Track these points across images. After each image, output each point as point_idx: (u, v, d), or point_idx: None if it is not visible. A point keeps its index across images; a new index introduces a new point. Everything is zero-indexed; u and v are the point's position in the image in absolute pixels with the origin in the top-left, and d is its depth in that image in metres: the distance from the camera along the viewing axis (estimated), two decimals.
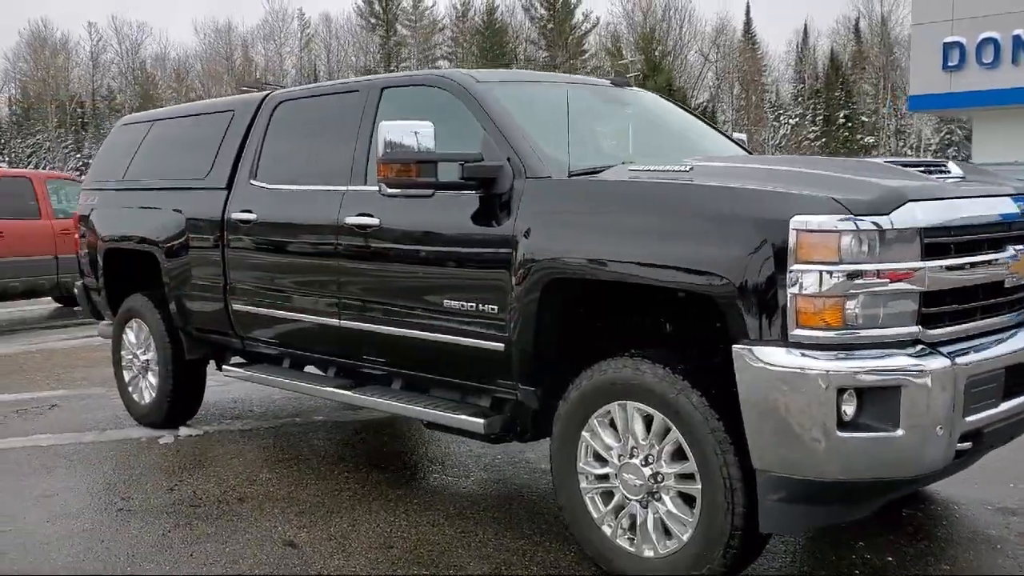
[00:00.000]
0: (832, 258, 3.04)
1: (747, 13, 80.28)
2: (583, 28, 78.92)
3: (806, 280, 3.05)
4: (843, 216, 3.05)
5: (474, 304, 4.07)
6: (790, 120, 65.19)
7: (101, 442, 6.03)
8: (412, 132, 3.96)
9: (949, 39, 20.48)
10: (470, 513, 4.54)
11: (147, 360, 6.29)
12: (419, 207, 4.30)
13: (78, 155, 77.52)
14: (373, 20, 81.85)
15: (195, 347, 6.09)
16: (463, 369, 4.28)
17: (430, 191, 4.08)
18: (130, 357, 6.45)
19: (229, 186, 5.54)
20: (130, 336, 6.43)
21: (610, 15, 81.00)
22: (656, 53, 69.59)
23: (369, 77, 4.97)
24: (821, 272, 3.04)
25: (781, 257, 3.08)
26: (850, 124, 63.54)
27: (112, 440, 6.07)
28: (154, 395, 6.23)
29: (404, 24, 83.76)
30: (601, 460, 3.67)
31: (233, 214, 5.40)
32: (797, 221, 3.07)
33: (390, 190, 4.05)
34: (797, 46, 73.95)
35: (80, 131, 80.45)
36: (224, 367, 5.68)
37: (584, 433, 3.69)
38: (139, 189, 6.34)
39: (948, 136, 57.44)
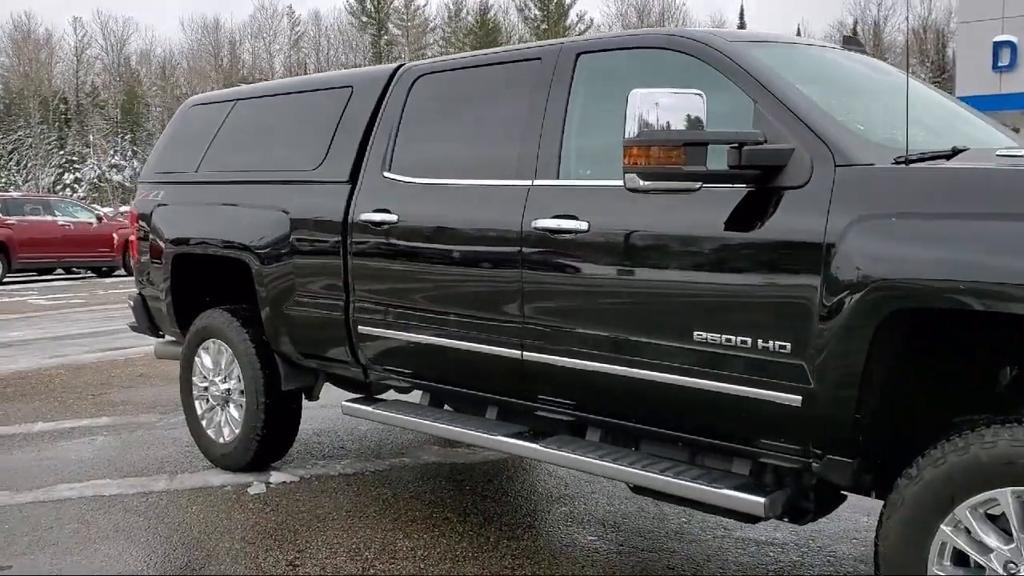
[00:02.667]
0: None
1: (741, 16, 79.65)
2: (577, 29, 78.01)
3: None
4: None
5: (748, 338, 3.00)
6: None
7: (176, 491, 4.92)
8: (673, 105, 2.91)
9: (999, 38, 19.60)
10: None
11: (228, 389, 5.19)
12: (653, 206, 3.24)
13: (61, 152, 75.96)
14: (364, 18, 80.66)
15: (295, 375, 5.00)
16: (717, 423, 3.22)
17: (697, 184, 3.01)
18: (205, 385, 5.34)
19: (353, 179, 4.45)
20: (205, 360, 5.32)
21: (604, 16, 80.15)
22: None
23: (555, 41, 3.89)
24: None
25: None
26: None
27: (190, 488, 4.96)
28: (238, 432, 5.12)
29: (395, 23, 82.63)
30: (972, 567, 2.62)
31: (362, 214, 4.31)
32: None
33: (645, 183, 2.98)
34: None
35: (63, 127, 78.77)
36: (345, 404, 4.55)
37: (944, 528, 2.63)
38: (221, 183, 5.23)
39: None
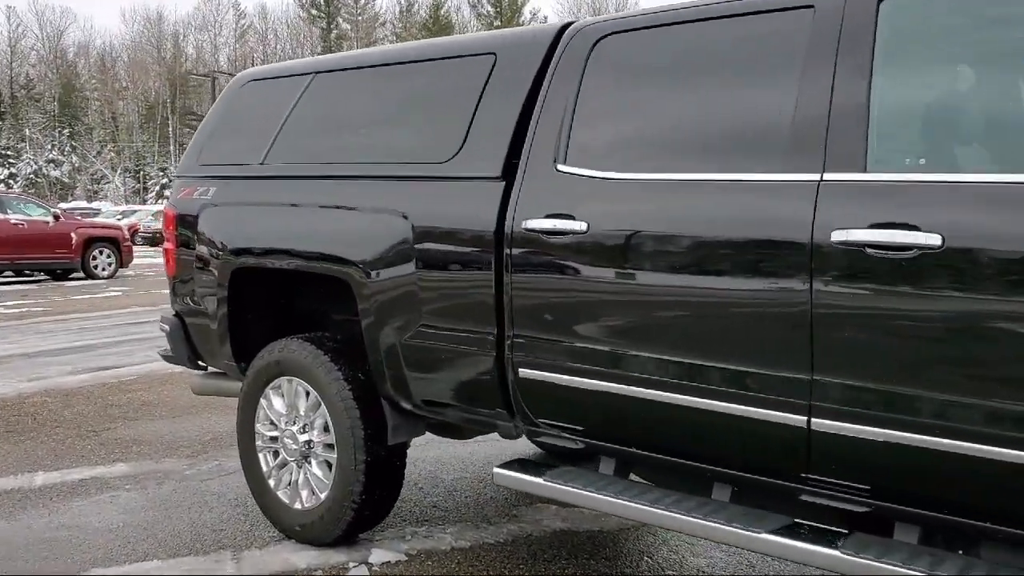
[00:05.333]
0: None
1: None
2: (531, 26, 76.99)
3: None
4: None
5: None
6: None
7: None
8: None
9: None
10: None
11: (309, 442, 4.05)
12: None
13: None
14: (314, 12, 78.93)
15: (406, 425, 3.91)
16: None
17: None
18: (273, 434, 4.20)
19: (508, 174, 3.37)
20: (275, 403, 4.17)
21: (557, 13, 79.15)
22: None
23: None
24: None
25: None
26: None
27: None
28: (324, 496, 3.99)
29: (345, 17, 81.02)
30: None
31: (528, 221, 3.23)
32: None
33: None
34: None
35: None
36: (500, 472, 3.43)
37: None
38: (301, 177, 4.10)
39: None
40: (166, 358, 4.89)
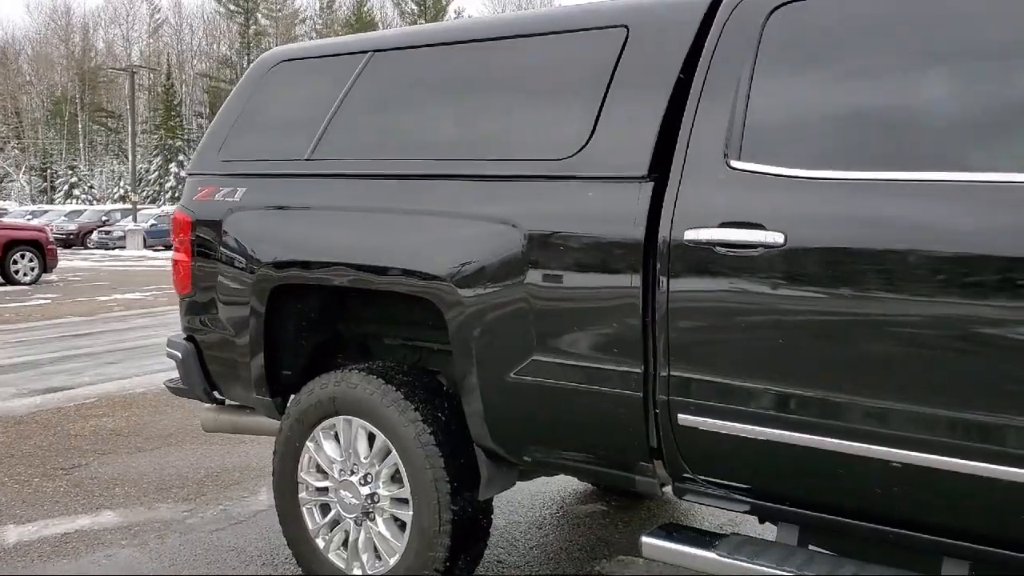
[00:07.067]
0: None
1: None
2: None
3: None
4: None
5: None
6: None
7: None
8: None
9: None
10: None
11: (373, 495, 3.35)
12: None
13: None
14: (232, 7, 76.74)
15: (502, 477, 3.25)
16: None
17: None
18: (322, 485, 3.48)
19: (658, 172, 2.73)
20: (326, 447, 3.45)
21: (480, 14, 78.54)
22: None
23: None
24: None
25: None
26: None
27: None
28: (393, 562, 3.29)
29: (264, 13, 79.06)
30: None
31: (695, 231, 2.59)
32: None
33: None
34: None
35: None
36: (651, 542, 2.78)
37: None
38: (363, 176, 3.39)
39: None
40: (174, 390, 4.12)
